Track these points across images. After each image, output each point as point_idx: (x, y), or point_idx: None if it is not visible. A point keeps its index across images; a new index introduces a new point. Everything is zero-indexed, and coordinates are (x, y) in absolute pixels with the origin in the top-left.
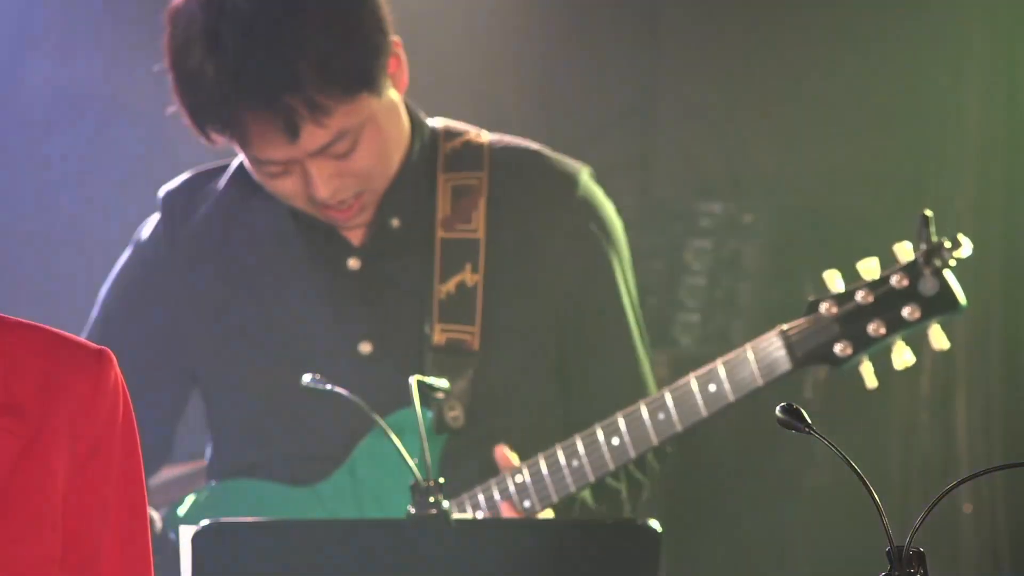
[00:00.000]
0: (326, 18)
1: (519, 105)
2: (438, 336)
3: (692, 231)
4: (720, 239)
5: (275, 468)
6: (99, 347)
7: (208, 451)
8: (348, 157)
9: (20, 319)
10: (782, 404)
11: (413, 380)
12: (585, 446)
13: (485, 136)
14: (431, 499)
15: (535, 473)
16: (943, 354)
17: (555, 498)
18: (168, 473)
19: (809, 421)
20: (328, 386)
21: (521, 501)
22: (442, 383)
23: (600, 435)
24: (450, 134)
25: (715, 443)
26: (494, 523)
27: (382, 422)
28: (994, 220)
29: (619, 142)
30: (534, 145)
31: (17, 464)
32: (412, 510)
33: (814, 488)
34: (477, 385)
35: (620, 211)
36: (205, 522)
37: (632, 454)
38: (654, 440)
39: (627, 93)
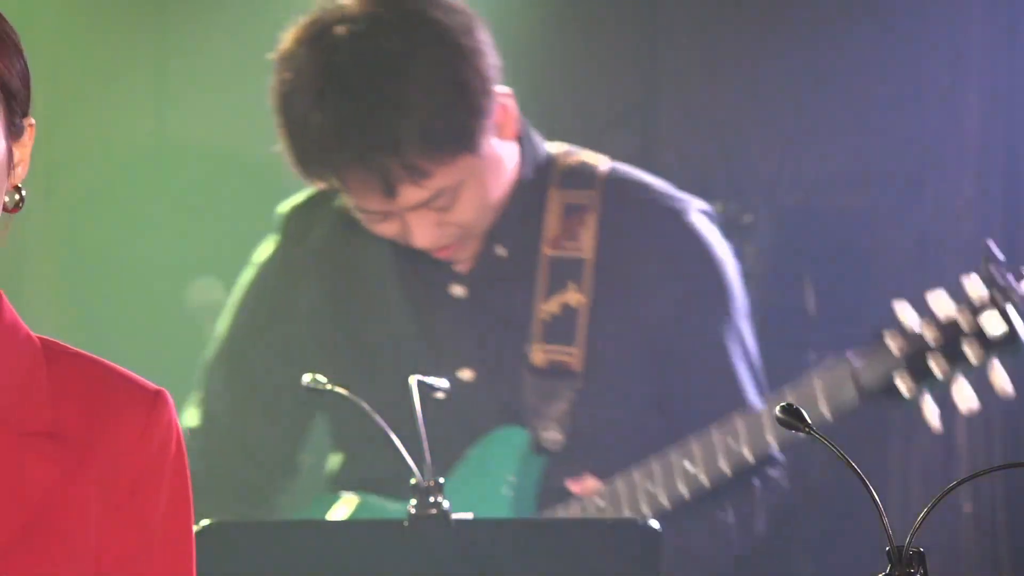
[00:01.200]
0: (431, 80)
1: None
2: (538, 357)
3: None
4: None
5: (381, 485)
6: (157, 388)
7: (334, 463)
8: (448, 210)
9: (82, 351)
10: (782, 404)
11: (413, 380)
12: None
13: (604, 162)
14: (431, 499)
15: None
16: None
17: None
18: None
19: (809, 421)
20: (328, 386)
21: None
22: (442, 383)
23: (675, 460)
24: (567, 154)
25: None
26: (494, 523)
27: (381, 421)
28: (994, 220)
29: (619, 142)
30: (650, 177)
31: (54, 491)
32: (412, 510)
33: (814, 487)
34: (578, 407)
35: None
36: (205, 522)
37: (706, 482)
38: (726, 470)
39: (627, 93)
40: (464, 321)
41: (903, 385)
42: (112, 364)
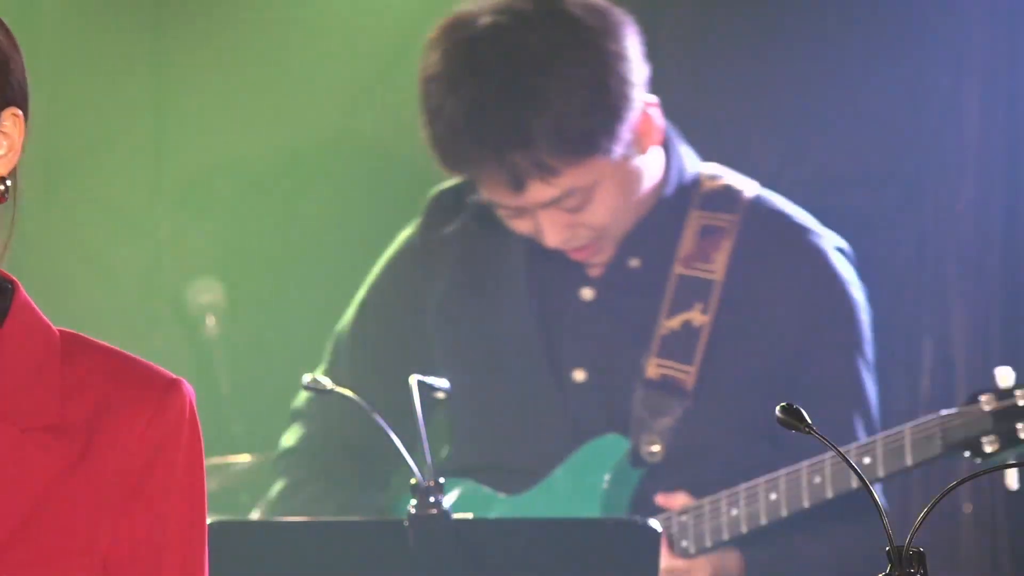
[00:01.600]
0: (571, 80)
1: None
2: (652, 370)
3: None
4: None
5: (486, 474)
6: (173, 377)
7: (444, 451)
8: (580, 211)
9: (103, 344)
10: (782, 404)
11: (413, 379)
12: (746, 497)
13: (752, 188)
14: (431, 499)
15: (698, 515)
16: (943, 354)
17: (726, 535)
18: (219, 460)
19: (809, 421)
20: (329, 387)
21: (679, 540)
22: (442, 383)
23: (761, 489)
24: (714, 176)
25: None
26: (494, 523)
27: (382, 422)
28: (994, 220)
29: None
30: (795, 211)
31: (55, 485)
32: (412, 510)
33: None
34: (684, 424)
35: None
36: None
37: (785, 512)
38: (806, 503)
39: None
40: (587, 323)
41: (989, 447)
42: (131, 356)
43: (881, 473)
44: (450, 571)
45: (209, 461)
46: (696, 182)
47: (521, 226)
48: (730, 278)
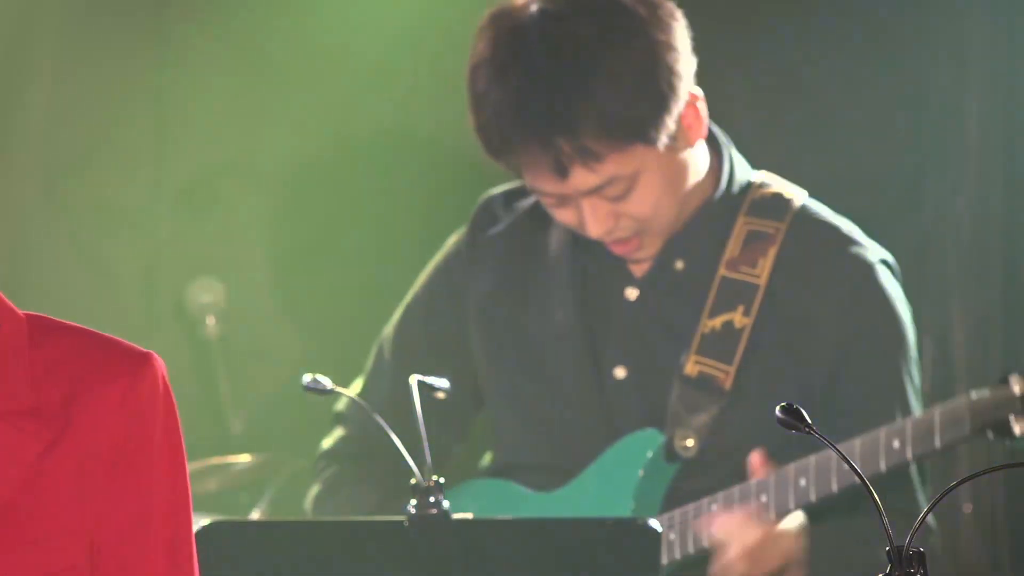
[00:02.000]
0: (618, 68)
1: None
2: (690, 367)
3: None
4: None
5: (524, 473)
6: (144, 351)
7: (487, 458)
8: (622, 200)
9: (71, 323)
10: (782, 404)
11: (413, 379)
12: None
13: (800, 197)
14: (431, 499)
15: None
16: (943, 354)
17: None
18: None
19: (809, 421)
20: (329, 386)
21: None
22: (442, 383)
23: (792, 473)
24: (764, 184)
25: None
26: (494, 523)
27: (382, 421)
28: (994, 220)
29: None
30: (842, 222)
31: (36, 468)
32: (412, 510)
33: None
34: (719, 423)
35: None
36: (205, 522)
37: (812, 498)
38: (835, 488)
39: None
40: (630, 322)
41: (1018, 427)
42: (100, 333)
43: (910, 455)
44: (450, 571)
45: (209, 461)
46: (746, 189)
47: (564, 215)
48: (774, 283)
